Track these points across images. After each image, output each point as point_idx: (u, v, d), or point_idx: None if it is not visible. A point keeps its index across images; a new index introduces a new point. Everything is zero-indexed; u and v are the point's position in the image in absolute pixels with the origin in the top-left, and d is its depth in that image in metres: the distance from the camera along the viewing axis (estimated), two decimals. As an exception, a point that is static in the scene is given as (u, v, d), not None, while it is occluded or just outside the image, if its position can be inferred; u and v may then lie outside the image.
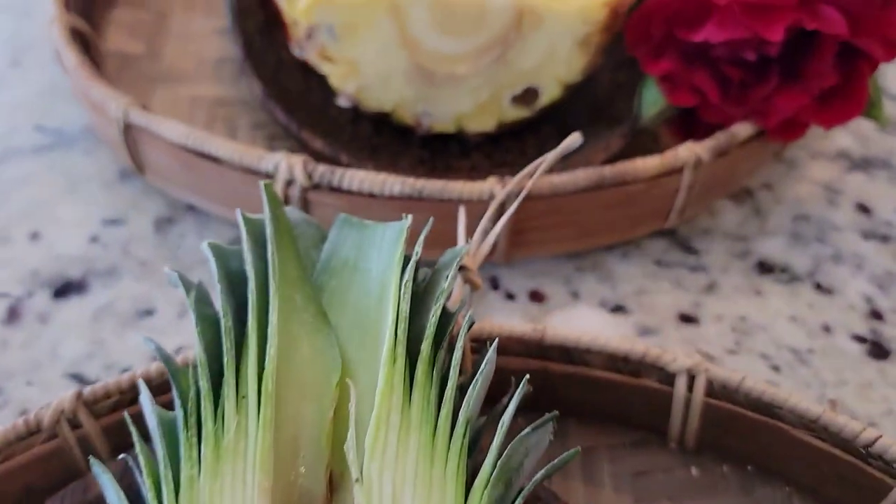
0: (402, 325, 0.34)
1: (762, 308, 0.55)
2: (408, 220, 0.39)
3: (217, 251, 0.38)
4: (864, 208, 0.62)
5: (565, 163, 0.56)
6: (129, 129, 0.55)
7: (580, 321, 0.53)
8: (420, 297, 0.39)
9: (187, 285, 0.36)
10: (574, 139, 0.42)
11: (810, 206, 0.62)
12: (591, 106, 0.63)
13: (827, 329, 0.54)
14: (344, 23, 0.52)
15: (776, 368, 0.51)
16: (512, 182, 0.44)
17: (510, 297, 0.55)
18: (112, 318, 0.53)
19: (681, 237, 0.59)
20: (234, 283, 0.37)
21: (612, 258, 0.57)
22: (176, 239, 0.58)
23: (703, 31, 0.51)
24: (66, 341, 0.52)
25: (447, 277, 0.38)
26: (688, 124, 0.57)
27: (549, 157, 0.42)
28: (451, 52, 0.53)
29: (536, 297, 0.55)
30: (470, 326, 0.35)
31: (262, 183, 0.39)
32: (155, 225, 0.59)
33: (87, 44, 0.65)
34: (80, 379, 0.50)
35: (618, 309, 0.54)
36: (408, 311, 0.34)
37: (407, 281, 0.36)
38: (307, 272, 0.38)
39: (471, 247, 0.41)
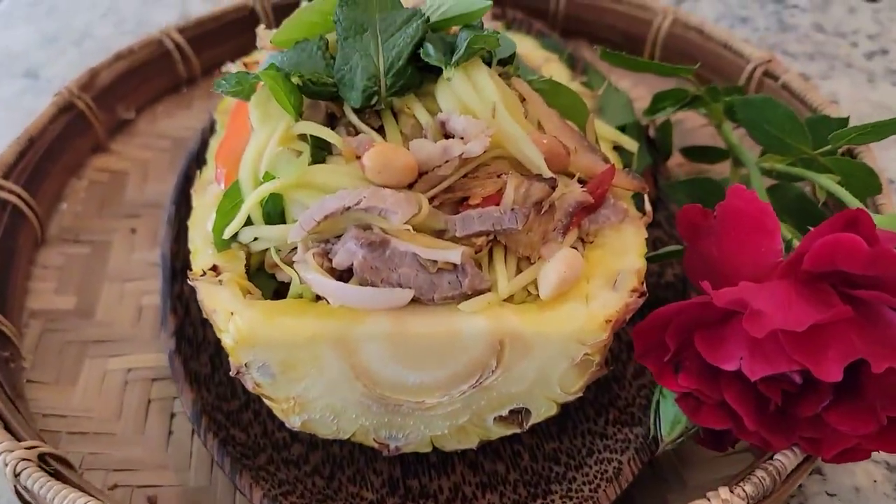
0: None
1: None
2: None
3: None
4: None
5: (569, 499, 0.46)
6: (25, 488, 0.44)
7: None
8: None
9: None
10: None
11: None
12: (598, 384, 0.52)
13: None
14: (280, 361, 0.41)
15: None
16: None
17: None
18: None
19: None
20: None
21: None
22: None
23: (732, 358, 0.41)
24: None
25: None
26: (719, 439, 0.46)
27: None
28: (417, 383, 0.42)
29: None
30: None
31: None
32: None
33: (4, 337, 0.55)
34: None
35: None
36: None
37: None
38: None
39: None
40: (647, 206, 0.49)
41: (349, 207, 0.40)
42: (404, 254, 0.40)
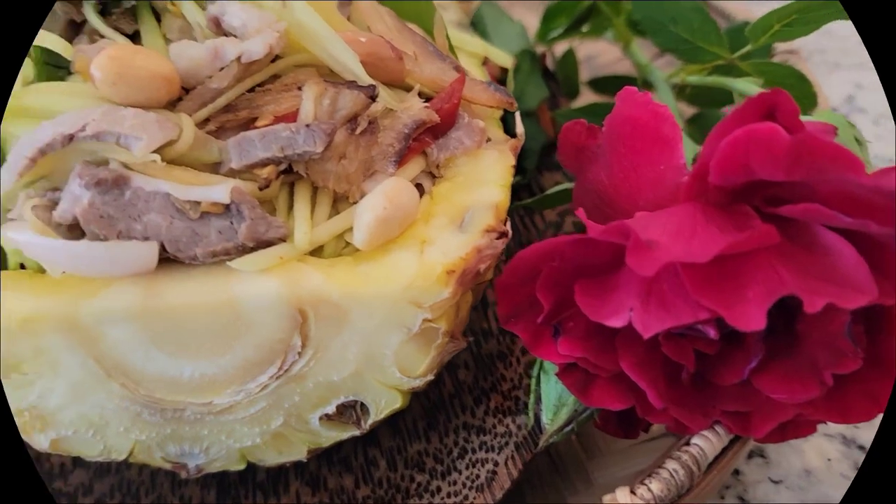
0: None
1: None
2: None
3: None
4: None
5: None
6: None
7: None
8: None
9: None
10: None
11: None
12: (479, 364, 0.41)
13: None
14: (-8, 359, 0.29)
15: None
16: None
17: None
18: None
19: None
20: None
21: None
22: None
23: (620, 311, 0.29)
24: None
25: None
26: (624, 423, 0.35)
27: None
28: (196, 377, 0.31)
29: None
30: None
31: None
32: None
33: None
34: None
35: None
36: None
37: None
38: None
39: None
40: (519, 128, 0.38)
41: (72, 136, 0.29)
42: (153, 195, 0.29)
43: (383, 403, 0.33)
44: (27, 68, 0.31)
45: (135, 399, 0.31)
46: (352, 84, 0.32)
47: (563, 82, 0.57)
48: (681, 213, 0.30)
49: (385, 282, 0.29)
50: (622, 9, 0.51)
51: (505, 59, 0.43)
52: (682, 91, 0.47)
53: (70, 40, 0.33)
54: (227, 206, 0.29)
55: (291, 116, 0.31)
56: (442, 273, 0.30)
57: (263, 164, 0.30)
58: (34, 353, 0.29)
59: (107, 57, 0.29)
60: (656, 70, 0.49)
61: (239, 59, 0.31)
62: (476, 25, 0.51)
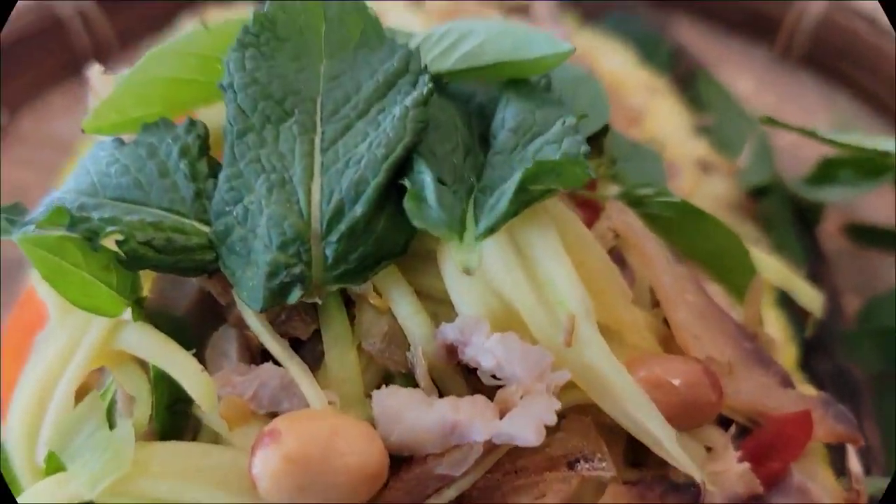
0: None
1: None
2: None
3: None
4: None
5: None
6: None
7: None
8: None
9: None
10: None
11: None
12: None
13: None
14: None
15: None
16: None
17: None
18: None
19: None
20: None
21: None
22: None
23: None
24: None
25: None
26: None
27: None
28: None
29: None
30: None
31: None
32: None
33: None
34: None
35: None
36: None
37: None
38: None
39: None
40: (856, 467, 0.24)
41: None
42: None
43: None
44: (141, 400, 0.19)
45: None
46: (664, 485, 0.19)
47: (808, 213, 0.44)
48: None
49: None
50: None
51: (815, 302, 0.29)
52: None
53: (203, 322, 0.21)
54: None
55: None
56: None
57: None
58: None
59: (283, 461, 0.17)
60: None
61: (488, 443, 0.18)
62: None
